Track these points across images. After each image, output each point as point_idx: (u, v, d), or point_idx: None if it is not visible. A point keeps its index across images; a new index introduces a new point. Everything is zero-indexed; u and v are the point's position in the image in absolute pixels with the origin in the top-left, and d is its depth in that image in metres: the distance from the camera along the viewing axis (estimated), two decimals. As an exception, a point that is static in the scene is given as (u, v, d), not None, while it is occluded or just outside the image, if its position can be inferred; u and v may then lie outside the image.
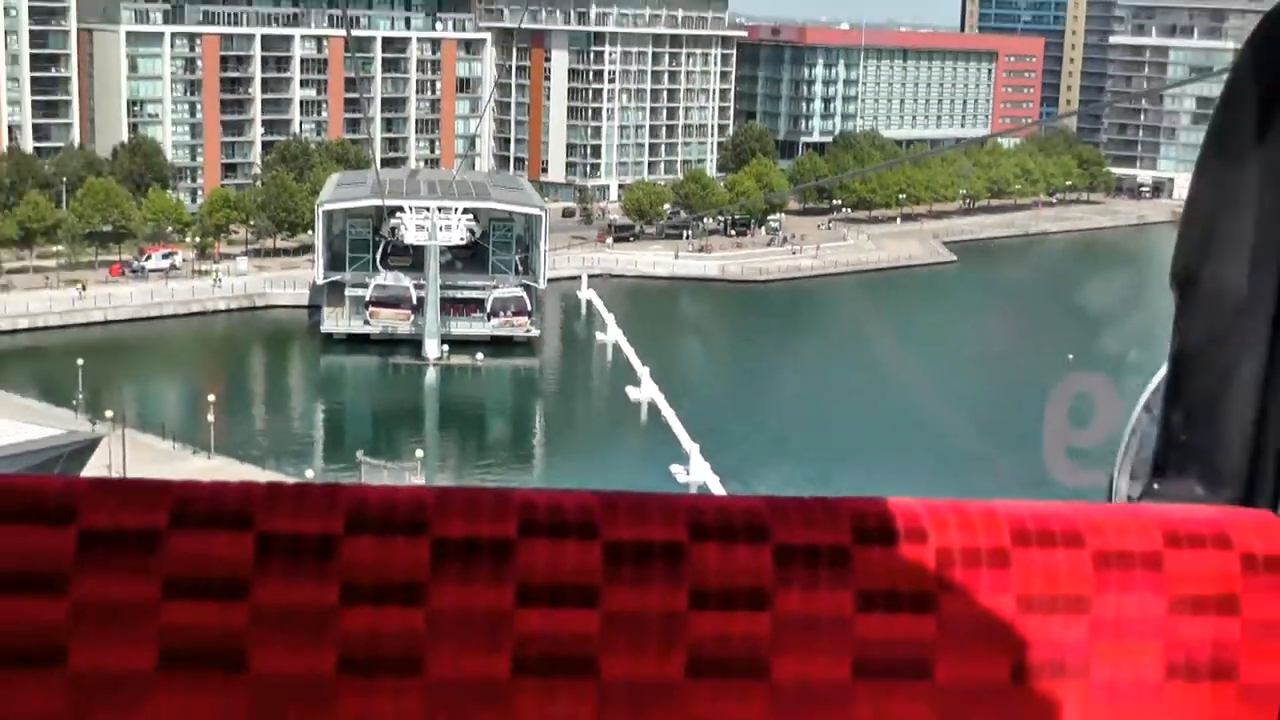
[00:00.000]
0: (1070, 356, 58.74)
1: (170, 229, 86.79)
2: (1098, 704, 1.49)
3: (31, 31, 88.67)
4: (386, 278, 77.71)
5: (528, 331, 77.79)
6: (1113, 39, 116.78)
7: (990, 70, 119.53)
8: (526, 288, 78.99)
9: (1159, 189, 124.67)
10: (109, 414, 58.64)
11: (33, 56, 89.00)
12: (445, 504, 1.43)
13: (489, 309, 78.22)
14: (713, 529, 1.44)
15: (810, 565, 1.44)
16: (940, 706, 1.45)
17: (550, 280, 79.35)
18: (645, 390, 34.38)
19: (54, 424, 54.00)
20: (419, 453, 59.99)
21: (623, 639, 1.41)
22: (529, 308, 78.11)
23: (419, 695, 1.38)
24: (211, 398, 62.93)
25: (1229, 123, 1.61)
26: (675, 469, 28.31)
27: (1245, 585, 1.49)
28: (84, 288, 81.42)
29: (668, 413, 32.71)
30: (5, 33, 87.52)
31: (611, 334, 42.60)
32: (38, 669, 1.30)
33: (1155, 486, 1.70)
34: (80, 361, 64.94)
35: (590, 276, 67.08)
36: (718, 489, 26.13)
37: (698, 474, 27.74)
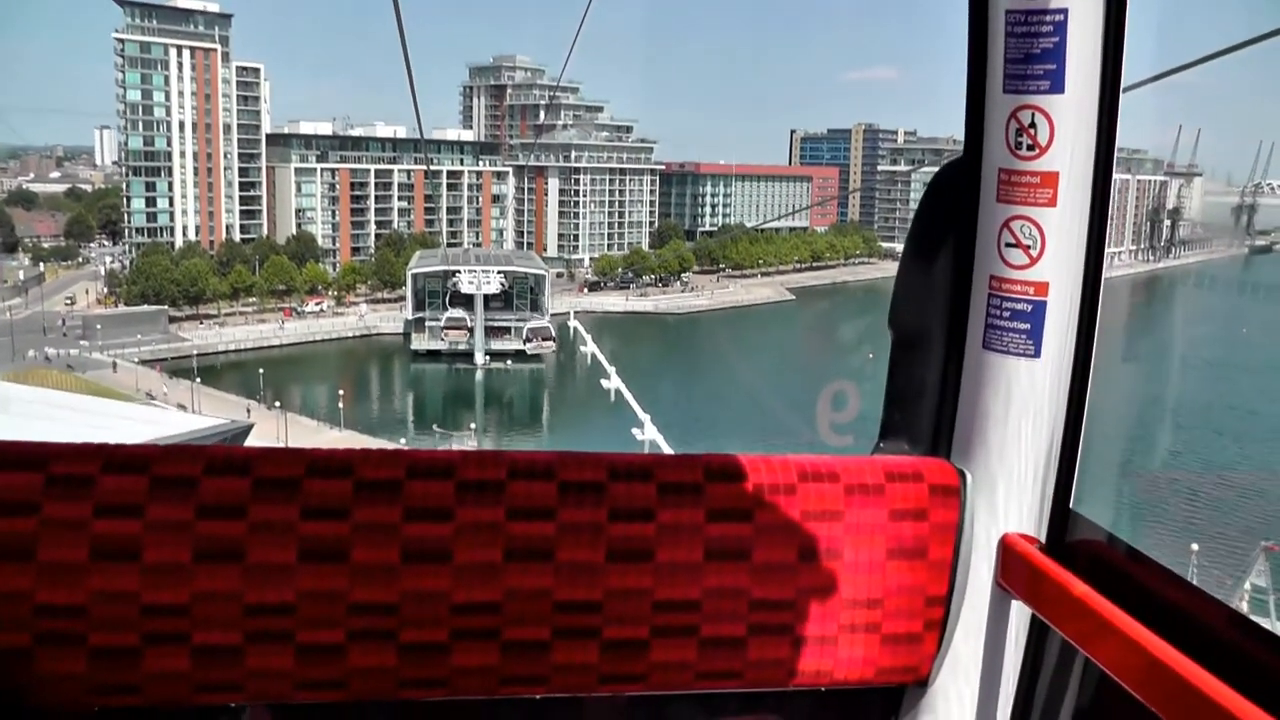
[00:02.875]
0: (870, 355, 53.21)
1: (320, 287, 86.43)
2: (849, 575, 1.47)
3: (240, 169, 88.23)
4: (452, 313, 75.96)
5: (549, 349, 75.43)
6: (879, 168, 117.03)
7: (808, 187, 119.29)
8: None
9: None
10: (278, 404, 56.43)
11: (240, 184, 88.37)
12: (465, 460, 1.37)
13: (525, 336, 75.39)
14: (621, 473, 1.41)
15: (678, 494, 1.41)
16: (754, 577, 1.42)
17: (551, 315, 77.79)
18: (613, 381, 33.33)
19: (243, 411, 50.87)
20: (471, 425, 58.94)
21: (569, 538, 1.37)
22: (554, 335, 75.35)
23: (449, 573, 1.33)
24: (343, 391, 61.74)
25: (918, 231, 1.59)
26: (635, 431, 26.68)
27: (930, 503, 1.49)
28: (281, 324, 79.44)
29: (627, 395, 31.46)
30: (225, 169, 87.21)
31: (589, 348, 41.19)
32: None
33: (881, 445, 1.66)
34: (261, 370, 63.88)
35: (575, 312, 66.28)
36: (663, 444, 24.80)
37: (650, 434, 25.74)
